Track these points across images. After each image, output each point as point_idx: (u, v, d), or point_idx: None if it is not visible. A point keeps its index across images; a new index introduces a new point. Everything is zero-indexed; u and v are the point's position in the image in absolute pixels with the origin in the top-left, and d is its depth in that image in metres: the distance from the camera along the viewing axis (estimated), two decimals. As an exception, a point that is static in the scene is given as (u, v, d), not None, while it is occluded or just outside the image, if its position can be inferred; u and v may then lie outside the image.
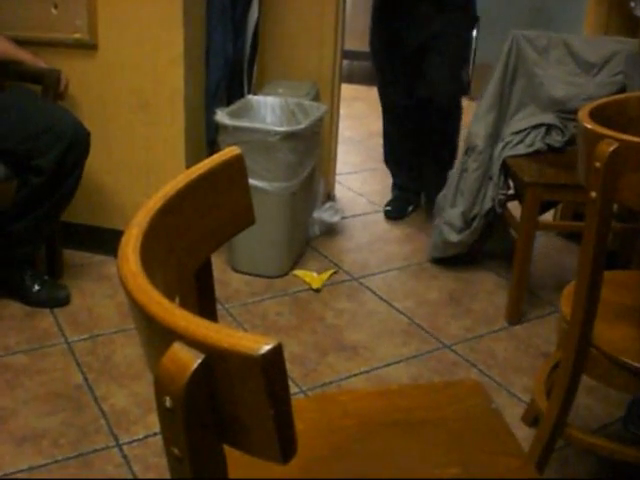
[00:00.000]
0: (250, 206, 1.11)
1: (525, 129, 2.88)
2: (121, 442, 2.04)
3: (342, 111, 3.74)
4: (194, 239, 1.01)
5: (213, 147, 3.02)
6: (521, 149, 2.84)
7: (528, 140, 2.85)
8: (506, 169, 2.84)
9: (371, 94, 4.69)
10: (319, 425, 1.27)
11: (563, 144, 2.86)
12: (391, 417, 1.30)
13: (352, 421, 1.28)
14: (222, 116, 2.81)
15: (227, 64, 3.04)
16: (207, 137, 3.07)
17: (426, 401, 1.35)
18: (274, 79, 3.34)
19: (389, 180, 3.79)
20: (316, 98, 3.25)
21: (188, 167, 3.27)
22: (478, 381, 1.46)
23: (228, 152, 1.06)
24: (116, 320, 2.63)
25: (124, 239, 0.80)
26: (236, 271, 2.99)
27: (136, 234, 0.81)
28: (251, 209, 1.11)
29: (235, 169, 1.07)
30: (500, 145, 2.88)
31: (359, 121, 5.21)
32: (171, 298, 0.74)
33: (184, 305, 1.05)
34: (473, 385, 1.41)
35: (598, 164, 1.45)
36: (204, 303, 1.09)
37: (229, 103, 3.07)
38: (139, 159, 2.95)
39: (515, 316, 2.75)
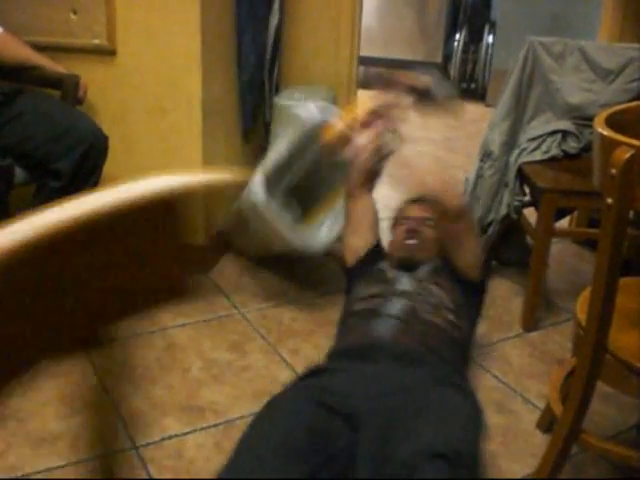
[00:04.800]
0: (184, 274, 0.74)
1: (541, 135, 2.88)
2: (137, 444, 2.05)
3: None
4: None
5: (248, 137, 3.22)
6: (537, 155, 2.84)
7: (544, 146, 2.85)
8: (522, 175, 2.84)
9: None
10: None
11: (579, 150, 2.86)
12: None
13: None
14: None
15: (258, 61, 3.16)
16: (243, 127, 3.21)
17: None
18: (291, 84, 3.36)
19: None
20: (333, 103, 3.26)
21: (205, 172, 3.22)
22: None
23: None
24: (132, 324, 2.64)
25: None
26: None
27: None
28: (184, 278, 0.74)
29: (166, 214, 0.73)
30: (516, 151, 2.89)
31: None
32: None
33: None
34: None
35: (614, 171, 1.45)
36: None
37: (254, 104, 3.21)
38: (157, 164, 2.97)
39: (530, 322, 2.74)
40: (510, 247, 3.17)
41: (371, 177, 2.31)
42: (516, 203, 2.85)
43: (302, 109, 2.94)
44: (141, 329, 2.59)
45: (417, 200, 2.36)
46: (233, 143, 3.21)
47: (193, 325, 2.68)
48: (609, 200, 1.50)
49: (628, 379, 1.66)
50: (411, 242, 2.25)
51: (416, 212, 2.32)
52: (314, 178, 2.82)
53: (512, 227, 3.02)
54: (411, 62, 6.32)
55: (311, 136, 2.69)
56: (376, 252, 2.28)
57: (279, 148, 2.75)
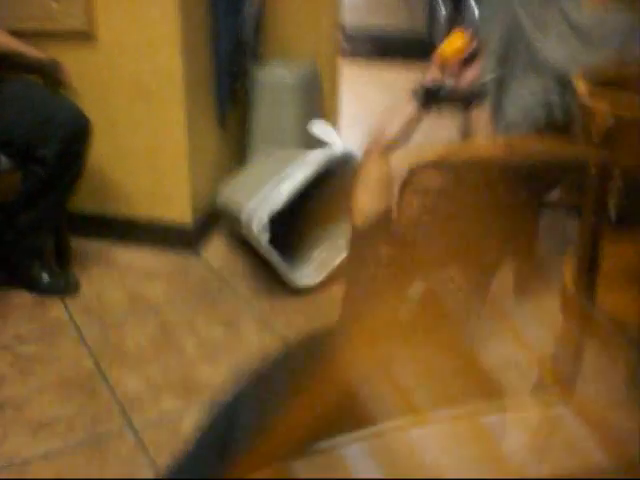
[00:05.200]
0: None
1: (526, 102, 2.88)
2: (134, 425, 2.07)
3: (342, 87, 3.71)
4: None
5: (224, 123, 3.15)
6: (522, 123, 2.84)
7: (529, 114, 2.85)
8: (508, 143, 2.84)
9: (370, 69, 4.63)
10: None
11: (564, 116, 2.86)
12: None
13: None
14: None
15: (234, 41, 3.11)
16: (218, 112, 3.15)
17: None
18: (273, 56, 3.34)
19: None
20: (315, 75, 3.25)
21: (191, 150, 3.27)
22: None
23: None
24: (125, 306, 2.65)
25: None
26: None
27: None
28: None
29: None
30: (501, 120, 2.89)
31: (361, 97, 5.18)
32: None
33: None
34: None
35: (596, 135, 1.46)
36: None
37: (234, 79, 3.16)
38: (142, 145, 2.96)
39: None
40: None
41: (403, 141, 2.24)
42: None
43: (317, 128, 2.95)
44: (135, 310, 2.60)
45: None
46: (213, 125, 3.20)
47: (185, 303, 2.70)
48: (591, 165, 1.50)
49: (614, 338, 1.68)
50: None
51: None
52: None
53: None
54: (395, 31, 6.29)
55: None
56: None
57: (294, 182, 2.73)
